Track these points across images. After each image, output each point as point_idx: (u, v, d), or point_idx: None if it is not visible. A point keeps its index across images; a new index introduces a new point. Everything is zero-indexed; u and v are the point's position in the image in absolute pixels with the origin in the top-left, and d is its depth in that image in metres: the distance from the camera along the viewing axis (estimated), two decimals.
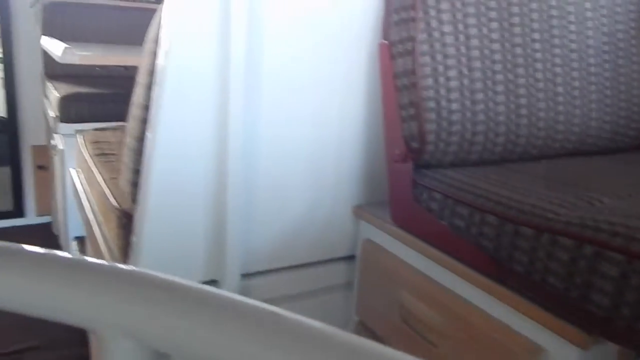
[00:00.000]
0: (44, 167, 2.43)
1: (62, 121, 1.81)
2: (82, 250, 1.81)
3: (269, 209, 0.91)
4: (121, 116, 1.85)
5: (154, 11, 2.45)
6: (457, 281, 0.77)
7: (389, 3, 0.88)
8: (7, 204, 2.51)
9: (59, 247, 2.20)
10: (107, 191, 0.98)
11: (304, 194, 0.93)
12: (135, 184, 0.85)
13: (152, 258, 0.84)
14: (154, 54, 0.81)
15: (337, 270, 1.00)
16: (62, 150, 1.82)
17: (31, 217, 2.54)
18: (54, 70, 2.10)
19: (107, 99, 1.83)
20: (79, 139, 1.36)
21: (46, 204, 2.48)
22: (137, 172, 0.85)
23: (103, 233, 1.02)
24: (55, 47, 1.39)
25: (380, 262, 0.93)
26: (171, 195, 0.83)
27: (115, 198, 0.94)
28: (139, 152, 0.85)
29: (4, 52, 2.36)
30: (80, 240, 1.86)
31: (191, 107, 0.81)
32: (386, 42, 0.87)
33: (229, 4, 0.78)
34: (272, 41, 0.84)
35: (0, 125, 3.26)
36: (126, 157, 0.89)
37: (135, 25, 2.24)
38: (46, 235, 2.40)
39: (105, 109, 1.82)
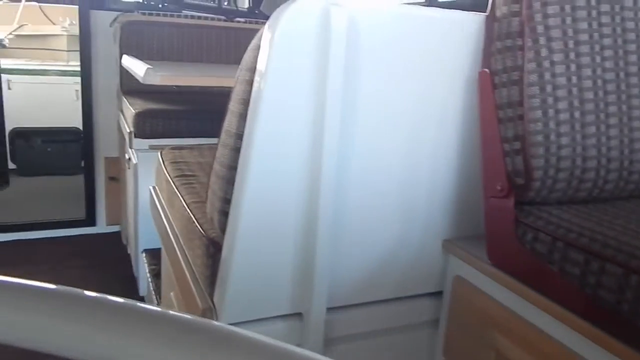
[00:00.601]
0: (115, 179, 2.52)
1: (136, 136, 1.86)
2: (152, 263, 1.84)
3: (358, 241, 0.88)
4: (194, 132, 1.89)
5: (227, 29, 2.50)
6: (568, 334, 0.71)
7: (490, 30, 0.83)
8: (80, 213, 2.62)
9: (127, 257, 2.26)
10: (192, 217, 0.98)
11: (393, 226, 0.90)
12: (224, 213, 0.84)
13: (238, 290, 0.83)
14: (249, 83, 0.80)
15: (424, 306, 0.95)
16: (136, 165, 1.87)
17: (101, 226, 2.63)
18: (130, 86, 2.18)
19: (181, 115, 1.87)
20: (158, 157, 1.38)
21: (116, 214, 2.57)
22: (227, 201, 0.84)
23: (186, 258, 1.02)
24: (137, 68, 1.43)
25: (472, 301, 0.87)
26: (261, 227, 0.81)
27: (200, 225, 0.94)
28: (229, 181, 0.84)
29: (82, 67, 2.48)
30: (150, 253, 1.90)
31: (285, 139, 0.79)
32: (487, 70, 0.82)
33: (328, 36, 0.76)
34: (367, 72, 0.82)
35: (75, 136, 3.43)
36: (215, 185, 0.89)
37: (210, 42, 2.29)
38: (115, 244, 2.48)
39: (179, 126, 1.86)
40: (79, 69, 3.65)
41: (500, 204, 0.80)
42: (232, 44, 2.30)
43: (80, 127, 3.44)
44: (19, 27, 4.16)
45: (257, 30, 2.34)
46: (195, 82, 1.43)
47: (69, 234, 2.58)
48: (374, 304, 0.92)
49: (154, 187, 1.41)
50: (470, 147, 0.90)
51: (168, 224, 1.19)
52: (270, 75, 0.76)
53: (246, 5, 2.56)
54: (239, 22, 2.38)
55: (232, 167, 0.83)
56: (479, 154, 0.88)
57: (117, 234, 2.57)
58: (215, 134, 1.88)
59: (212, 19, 2.33)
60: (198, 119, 1.87)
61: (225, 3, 2.36)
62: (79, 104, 3.46)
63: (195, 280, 0.95)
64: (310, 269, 0.84)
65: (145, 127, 1.86)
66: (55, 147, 3.41)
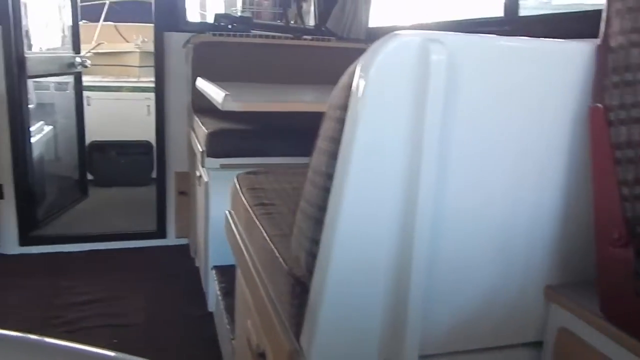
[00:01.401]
0: (184, 193, 2.58)
1: (208, 155, 1.89)
2: (222, 280, 1.86)
3: (452, 286, 0.83)
4: (265, 151, 1.89)
5: (294, 47, 2.50)
6: None
7: (603, 61, 0.76)
8: (151, 225, 2.71)
9: (195, 270, 2.31)
10: (274, 250, 0.97)
11: (490, 270, 0.84)
12: (312, 254, 0.82)
13: (327, 334, 0.80)
14: (340, 122, 0.78)
15: (521, 357, 0.89)
16: (207, 183, 1.90)
17: (171, 239, 2.71)
18: (201, 104, 2.22)
19: (252, 135, 1.88)
20: (235, 182, 1.39)
21: (184, 227, 2.63)
22: (315, 242, 0.82)
23: (267, 290, 1.01)
24: (215, 94, 1.44)
25: (580, 357, 0.80)
26: (352, 270, 0.78)
27: (285, 261, 0.92)
28: (318, 222, 0.81)
29: (157, 86, 2.56)
30: (220, 270, 1.92)
31: (379, 180, 0.76)
32: (600, 106, 0.75)
33: (427, 73, 0.72)
34: (466, 109, 0.77)
35: (146, 149, 3.57)
36: (303, 224, 0.86)
37: (278, 60, 2.30)
38: (184, 257, 2.54)
39: (250, 145, 1.87)
40: (150, 85, 3.82)
41: (617, 254, 0.73)
42: (301, 61, 2.30)
43: (151, 141, 3.59)
44: (97, 45, 4.41)
45: (324, 48, 2.35)
46: (276, 109, 1.43)
47: (141, 246, 2.67)
48: (468, 352, 0.86)
49: (230, 212, 1.42)
50: (577, 187, 0.83)
51: (246, 251, 1.19)
52: (364, 114, 0.73)
53: (312, 22, 2.57)
54: (306, 39, 2.38)
55: (322, 208, 0.81)
56: (587, 194, 0.80)
57: (186, 247, 2.63)
58: (287, 152, 1.88)
59: (280, 37, 2.35)
60: (269, 137, 1.88)
61: (292, 22, 2.37)
62: (150, 118, 3.61)
63: (279, 316, 0.93)
64: (402, 314, 0.80)
65: (217, 146, 1.88)
66: (128, 159, 3.57)
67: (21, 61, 2.49)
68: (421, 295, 0.79)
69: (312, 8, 2.57)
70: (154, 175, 3.63)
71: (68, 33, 3.05)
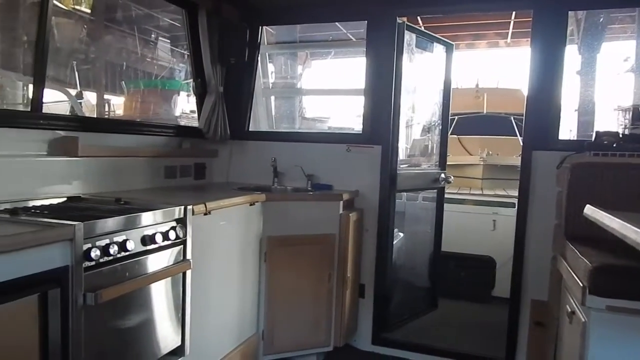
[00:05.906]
0: (541, 324, 2.32)
1: (591, 293, 1.63)
2: None
3: None
4: None
5: None
6: None
7: None
8: (499, 351, 2.51)
9: None
10: None
11: None
12: None
13: None
14: None
15: None
16: (585, 324, 1.63)
17: None
18: (577, 231, 2.00)
19: None
20: None
21: None
22: None
23: None
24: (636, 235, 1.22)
25: None
26: None
27: None
28: None
29: (519, 204, 2.47)
30: None
31: None
32: None
33: None
34: None
35: (487, 264, 3.47)
36: None
37: None
38: None
39: None
40: (494, 199, 3.79)
41: None
42: None
43: (493, 257, 3.49)
44: None
45: None
46: None
47: None
48: None
49: None
50: None
51: None
52: None
53: None
54: None
55: None
56: None
57: None
58: None
59: None
60: None
61: None
62: (494, 234, 3.54)
63: None
64: None
65: (605, 284, 1.61)
66: (467, 272, 3.53)
67: (393, 177, 2.82)
68: None
69: None
70: (494, 293, 3.49)
71: (432, 149, 3.33)
